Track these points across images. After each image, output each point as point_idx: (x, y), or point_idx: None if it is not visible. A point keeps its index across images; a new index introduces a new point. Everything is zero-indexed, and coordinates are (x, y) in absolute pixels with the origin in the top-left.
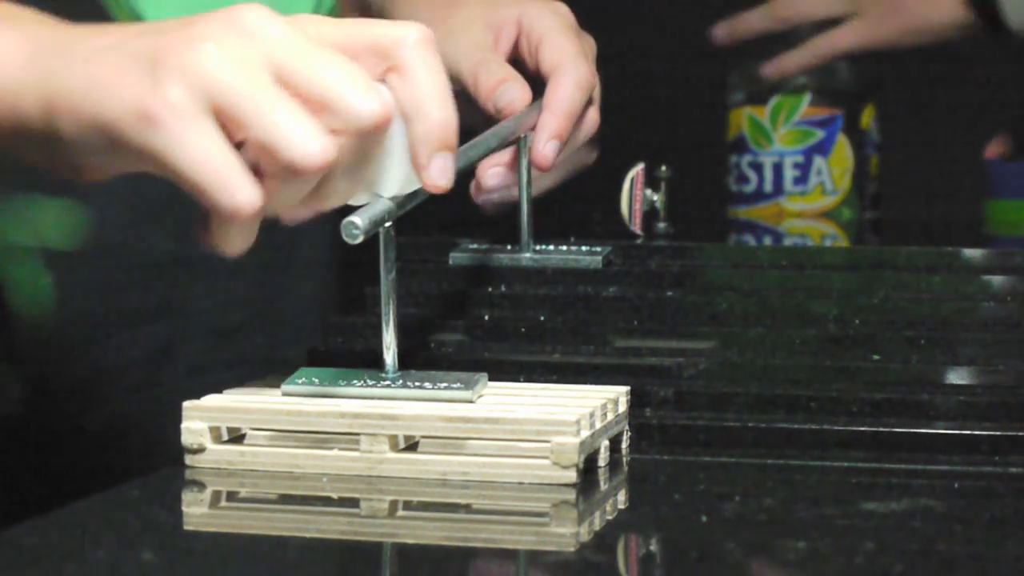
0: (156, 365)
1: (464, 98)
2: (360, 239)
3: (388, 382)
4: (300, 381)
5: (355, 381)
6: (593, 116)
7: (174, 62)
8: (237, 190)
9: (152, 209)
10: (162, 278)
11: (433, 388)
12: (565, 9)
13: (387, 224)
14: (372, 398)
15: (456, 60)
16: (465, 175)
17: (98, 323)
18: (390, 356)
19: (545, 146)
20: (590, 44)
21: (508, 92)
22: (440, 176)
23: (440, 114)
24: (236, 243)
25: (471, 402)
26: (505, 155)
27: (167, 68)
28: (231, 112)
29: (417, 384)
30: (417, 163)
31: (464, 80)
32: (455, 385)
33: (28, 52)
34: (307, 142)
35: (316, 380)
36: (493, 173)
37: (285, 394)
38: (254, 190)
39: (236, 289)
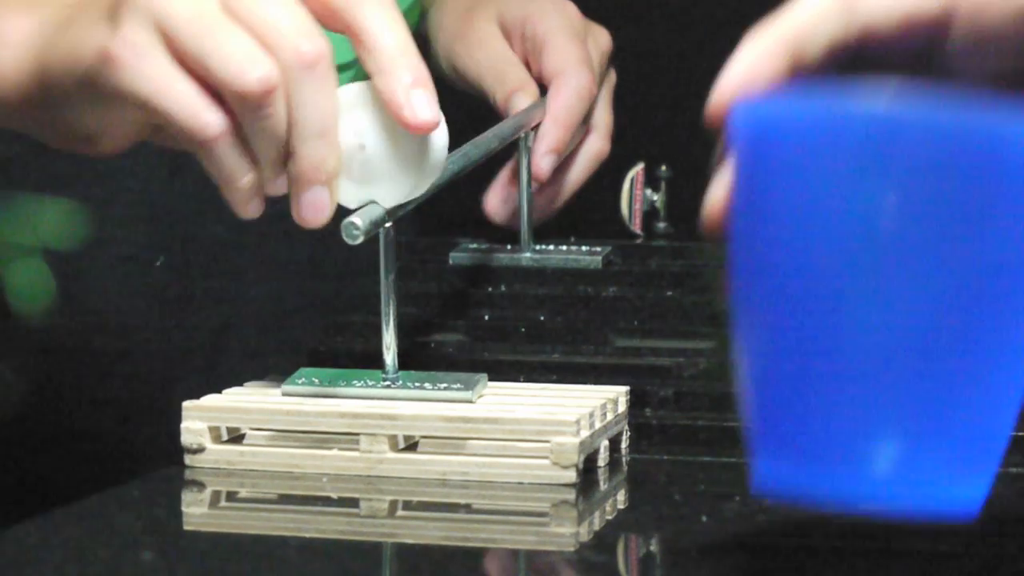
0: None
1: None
2: (360, 239)
3: (388, 382)
4: (300, 381)
5: (355, 381)
6: (597, 146)
7: (130, 3)
8: (199, 112)
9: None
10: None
11: (433, 389)
12: (572, 9)
13: (387, 224)
14: (372, 398)
15: (478, 74)
16: (465, 176)
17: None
18: (390, 356)
19: (542, 159)
20: (603, 37)
21: (518, 102)
22: (422, 110)
23: (404, 63)
24: (237, 193)
25: (471, 402)
26: (506, 179)
27: (123, 10)
28: (180, 41)
29: (417, 384)
30: (395, 112)
31: (485, 91)
32: (455, 386)
33: (31, 28)
34: (245, 63)
35: (316, 380)
36: (496, 209)
37: (285, 394)
38: (216, 113)
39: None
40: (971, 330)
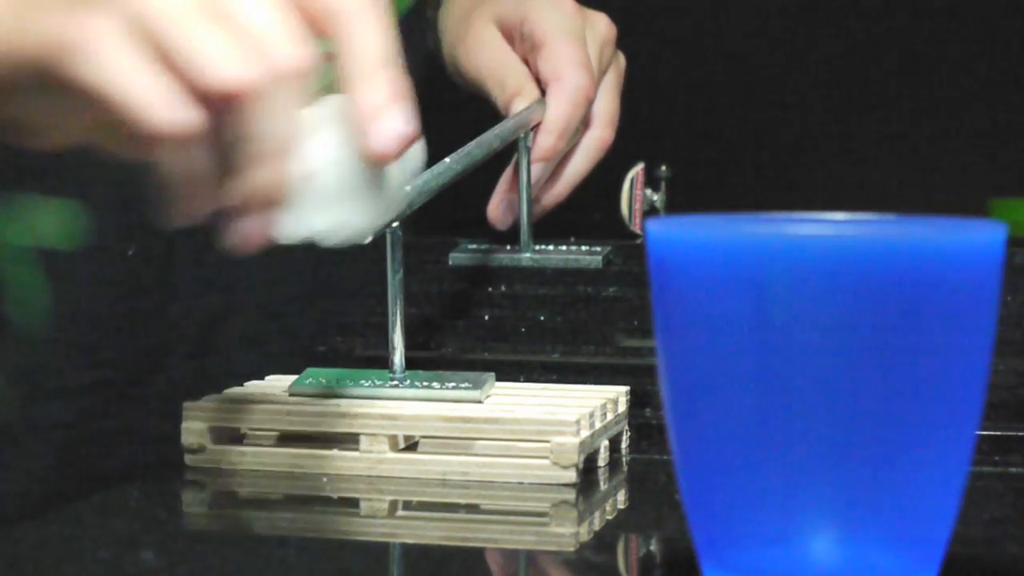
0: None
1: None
2: (367, 239)
3: (395, 383)
4: (307, 382)
5: (362, 381)
6: (597, 135)
7: None
8: (158, 106)
9: None
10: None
11: (441, 388)
12: (569, 5)
13: (394, 224)
14: (381, 399)
15: (480, 77)
16: (467, 175)
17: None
18: (397, 357)
19: (533, 167)
20: (601, 24)
21: (518, 107)
22: (386, 139)
23: (380, 76)
24: (183, 201)
25: (480, 402)
26: (506, 186)
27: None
28: (153, 36)
29: (425, 384)
30: (360, 134)
31: (487, 93)
32: (463, 385)
33: None
34: (219, 61)
35: (323, 381)
36: (499, 216)
37: (293, 395)
38: (181, 109)
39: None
40: (899, 425)
